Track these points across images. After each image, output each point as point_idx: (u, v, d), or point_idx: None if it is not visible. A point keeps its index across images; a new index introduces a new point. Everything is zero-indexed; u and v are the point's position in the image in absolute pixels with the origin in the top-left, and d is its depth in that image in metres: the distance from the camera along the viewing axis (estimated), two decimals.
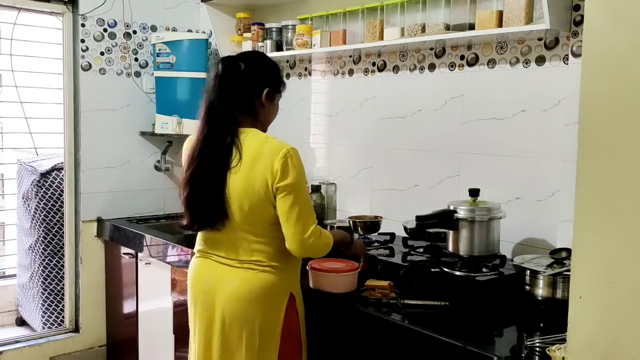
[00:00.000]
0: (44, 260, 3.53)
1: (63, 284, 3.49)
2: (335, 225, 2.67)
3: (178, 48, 3.34)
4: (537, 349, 1.56)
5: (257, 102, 1.87)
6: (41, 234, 3.51)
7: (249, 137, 1.84)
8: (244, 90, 1.86)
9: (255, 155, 1.80)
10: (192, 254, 2.05)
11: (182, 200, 1.92)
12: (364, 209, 2.82)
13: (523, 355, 1.59)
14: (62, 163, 3.40)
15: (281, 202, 1.79)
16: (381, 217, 2.53)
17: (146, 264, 3.04)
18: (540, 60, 2.20)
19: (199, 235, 1.97)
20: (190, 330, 2.01)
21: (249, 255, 1.86)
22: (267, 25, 3.16)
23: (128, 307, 3.26)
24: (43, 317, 3.54)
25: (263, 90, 1.87)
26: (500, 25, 2.16)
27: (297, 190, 1.79)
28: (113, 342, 3.46)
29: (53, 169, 3.51)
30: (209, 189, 1.84)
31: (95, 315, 3.45)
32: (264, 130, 1.93)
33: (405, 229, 2.32)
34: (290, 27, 3.03)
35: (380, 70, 2.79)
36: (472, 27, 2.27)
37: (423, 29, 2.41)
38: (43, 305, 3.54)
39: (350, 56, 2.91)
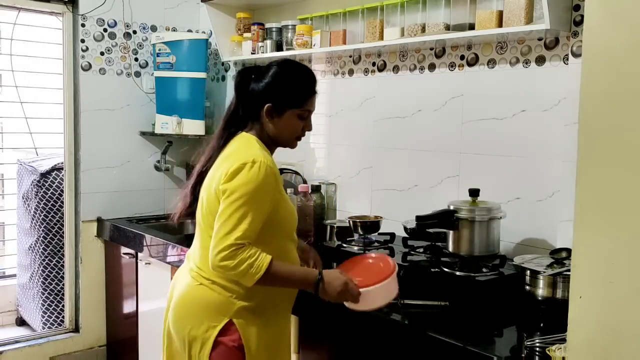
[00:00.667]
0: (44, 260, 3.53)
1: (63, 284, 3.49)
2: (335, 225, 2.67)
3: (178, 48, 3.34)
4: (537, 349, 1.56)
5: (263, 116, 1.79)
6: (41, 234, 3.51)
7: (237, 141, 1.80)
8: (250, 102, 1.81)
9: (227, 155, 1.76)
10: None
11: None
12: (364, 209, 2.82)
13: (523, 355, 1.59)
14: (62, 163, 3.40)
15: (221, 206, 1.67)
16: (381, 217, 2.53)
17: (146, 264, 3.04)
18: (540, 60, 2.20)
19: None
20: None
21: (195, 259, 1.80)
22: (267, 25, 3.16)
23: (128, 307, 3.26)
24: (43, 317, 3.54)
25: (264, 104, 1.77)
26: (500, 25, 2.16)
27: (235, 197, 1.63)
28: (113, 342, 3.46)
29: (53, 169, 3.51)
30: (190, 182, 1.86)
31: (95, 315, 3.45)
32: (275, 144, 1.84)
33: (405, 229, 2.32)
34: (290, 27, 3.03)
35: (380, 70, 2.79)
36: (472, 27, 2.27)
37: (423, 29, 2.41)
38: (43, 305, 3.54)
39: (350, 56, 2.91)
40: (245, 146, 1.75)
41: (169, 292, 1.93)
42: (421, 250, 2.26)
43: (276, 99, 1.77)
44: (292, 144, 1.85)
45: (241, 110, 1.83)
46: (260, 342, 1.74)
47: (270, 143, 1.82)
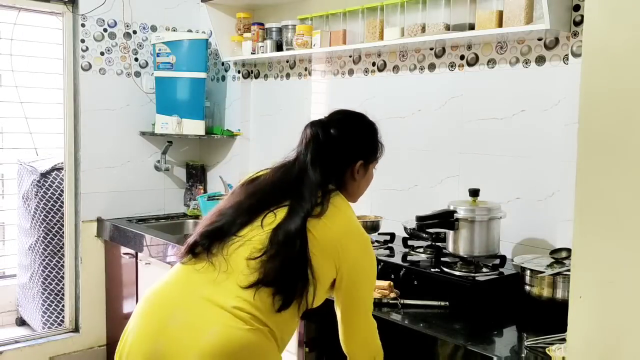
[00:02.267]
0: (44, 260, 3.53)
1: (63, 284, 3.49)
2: None
3: (178, 48, 3.34)
4: (537, 349, 1.56)
5: (348, 174, 1.64)
6: (41, 234, 3.51)
7: (342, 203, 1.59)
8: (333, 162, 1.62)
9: (344, 224, 1.55)
10: None
11: None
12: (364, 209, 2.82)
13: (523, 355, 1.59)
14: (62, 163, 3.40)
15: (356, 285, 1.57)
16: (381, 217, 2.52)
17: (146, 264, 3.04)
18: (540, 60, 2.20)
19: None
20: None
21: (250, 299, 1.43)
22: (267, 25, 3.16)
23: (128, 307, 3.26)
24: (43, 317, 3.54)
25: (356, 162, 1.64)
26: (500, 25, 2.16)
27: (370, 284, 1.60)
28: (113, 342, 3.45)
29: (53, 169, 3.51)
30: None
31: (95, 315, 3.45)
32: (351, 200, 1.67)
33: (405, 229, 2.32)
34: (290, 27, 3.03)
35: (380, 70, 2.79)
36: (472, 27, 2.27)
37: (423, 29, 2.41)
38: (43, 305, 3.54)
39: (350, 56, 2.91)
40: (351, 213, 1.60)
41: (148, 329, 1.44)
42: (421, 250, 2.26)
43: (365, 154, 1.67)
44: (357, 200, 1.74)
45: (328, 169, 1.60)
46: None
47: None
